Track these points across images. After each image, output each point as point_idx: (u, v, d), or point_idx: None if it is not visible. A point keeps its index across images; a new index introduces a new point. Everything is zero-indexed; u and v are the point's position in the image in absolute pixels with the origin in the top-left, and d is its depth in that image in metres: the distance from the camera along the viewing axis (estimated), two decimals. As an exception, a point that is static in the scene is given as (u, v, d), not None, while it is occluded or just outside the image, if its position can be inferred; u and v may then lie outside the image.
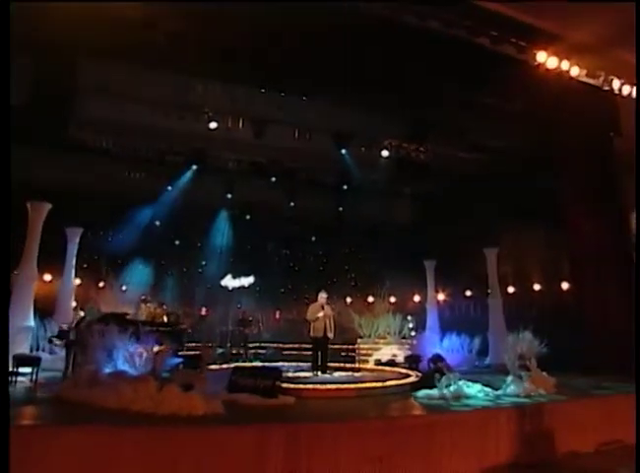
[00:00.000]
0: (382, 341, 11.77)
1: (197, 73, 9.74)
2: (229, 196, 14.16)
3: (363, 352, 11.82)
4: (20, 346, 8.03)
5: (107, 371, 5.70)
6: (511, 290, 13.22)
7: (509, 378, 7.29)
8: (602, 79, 9.16)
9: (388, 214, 15.32)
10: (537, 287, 12.56)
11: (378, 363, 10.96)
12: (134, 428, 4.49)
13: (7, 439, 3.32)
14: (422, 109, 10.54)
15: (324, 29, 8.06)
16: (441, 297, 14.89)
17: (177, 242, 14.54)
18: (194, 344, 10.57)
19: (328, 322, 8.93)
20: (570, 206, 10.39)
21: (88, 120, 10.83)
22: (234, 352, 11.64)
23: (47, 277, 11.68)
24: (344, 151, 12.29)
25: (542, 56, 8.68)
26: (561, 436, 5.90)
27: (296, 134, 11.56)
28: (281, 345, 13.01)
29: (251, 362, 11.03)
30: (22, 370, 6.99)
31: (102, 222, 12.71)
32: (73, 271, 11.07)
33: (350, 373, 9.45)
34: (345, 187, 14.42)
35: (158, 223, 13.83)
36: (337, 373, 9.15)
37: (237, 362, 10.61)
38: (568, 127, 9.92)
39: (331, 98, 10.29)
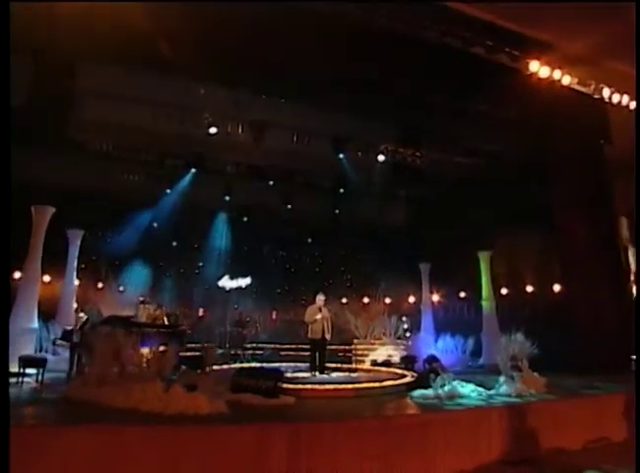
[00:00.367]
0: (378, 342, 11.88)
1: (197, 77, 9.86)
2: (227, 198, 14.28)
3: (359, 352, 11.94)
4: (25, 347, 8.17)
5: (114, 371, 5.87)
6: (504, 291, 13.42)
7: (501, 379, 7.45)
8: (592, 87, 9.43)
9: (384, 217, 15.45)
10: (529, 289, 12.76)
11: (374, 363, 11.10)
12: (143, 427, 4.64)
13: (7, 438, 3.34)
14: (418, 116, 10.74)
15: (324, 35, 8.24)
16: (436, 298, 15.06)
17: (175, 244, 14.62)
18: (194, 345, 10.72)
19: (325, 324, 9.13)
20: (561, 211, 10.60)
21: (88, 122, 10.89)
22: (233, 352, 11.81)
23: (46, 278, 11.76)
24: (341, 155, 12.48)
25: (534, 65, 8.95)
26: (550, 433, 6.11)
27: (295, 138, 11.70)
28: (278, 346, 13.13)
29: (249, 362, 11.19)
30: (27, 371, 7.15)
31: (102, 224, 12.81)
32: (74, 273, 11.15)
33: (347, 374, 9.61)
34: (341, 191, 14.56)
35: (155, 224, 13.95)
36: (334, 374, 9.31)
37: (235, 362, 10.80)
38: (560, 134, 10.13)
39: (330, 103, 10.45)
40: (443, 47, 8.50)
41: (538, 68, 8.90)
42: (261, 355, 12.50)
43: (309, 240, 16.35)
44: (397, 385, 7.64)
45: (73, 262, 11.14)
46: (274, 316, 15.31)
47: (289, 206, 14.79)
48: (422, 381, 7.22)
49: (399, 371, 9.20)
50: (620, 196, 10.25)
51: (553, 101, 9.16)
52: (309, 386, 7.22)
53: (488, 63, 8.84)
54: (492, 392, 7.18)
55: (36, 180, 10.86)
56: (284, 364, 10.29)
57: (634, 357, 9.40)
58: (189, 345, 9.57)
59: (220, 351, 11.29)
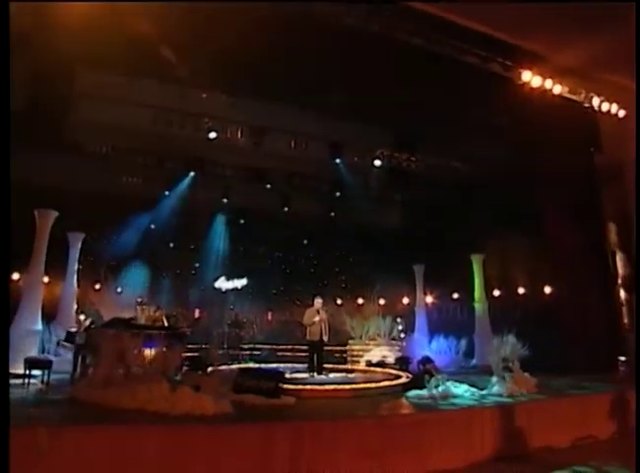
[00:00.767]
0: (372, 342, 12.07)
1: (197, 82, 10.00)
2: (225, 201, 14.42)
3: (354, 353, 12.14)
4: (29, 349, 8.28)
5: (120, 373, 6.03)
6: (496, 294, 13.63)
7: (494, 379, 7.66)
8: (582, 96, 9.71)
9: (379, 219, 15.61)
10: (521, 291, 12.98)
11: (369, 364, 11.27)
12: (151, 426, 4.81)
13: (7, 438, 3.37)
14: (414, 122, 10.97)
15: (323, 42, 8.41)
16: (429, 300, 15.22)
17: (172, 246, 14.71)
18: (192, 346, 10.84)
19: (323, 326, 9.34)
20: (552, 216, 10.82)
21: (87, 125, 10.96)
22: (230, 353, 11.95)
23: (46, 280, 11.85)
24: (338, 160, 12.69)
25: (526, 75, 9.21)
26: (540, 432, 6.36)
27: (293, 143, 11.90)
28: (275, 346, 13.26)
29: (247, 363, 11.35)
30: (33, 372, 7.28)
31: (101, 226, 12.87)
32: (75, 276, 11.24)
33: (344, 375, 9.79)
34: (338, 194, 14.74)
35: (153, 226, 14.04)
36: (332, 375, 9.49)
37: (233, 363, 10.95)
38: (551, 142, 10.33)
39: (328, 109, 10.64)
40: (439, 57, 8.73)
41: (530, 78, 9.16)
42: (258, 355, 12.63)
43: (305, 242, 16.47)
44: (393, 386, 7.84)
45: (74, 265, 11.20)
46: (269, 317, 15.41)
47: (286, 208, 14.92)
48: (417, 382, 7.43)
49: (394, 372, 9.40)
50: (609, 202, 10.53)
51: (545, 109, 9.34)
52: (309, 387, 7.40)
53: (482, 72, 9.09)
54: (485, 392, 7.40)
55: (37, 183, 10.93)
56: (281, 364, 10.43)
57: (621, 358, 9.71)
58: (188, 346, 9.70)
59: (220, 352, 11.42)
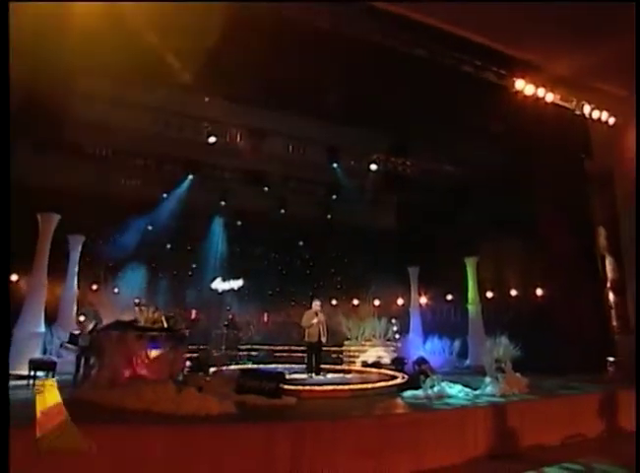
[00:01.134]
0: (368, 343, 12.22)
1: (197, 88, 10.11)
2: (223, 203, 14.53)
3: (350, 354, 12.30)
4: (32, 351, 8.39)
5: (125, 374, 6.17)
6: (489, 295, 13.84)
7: (487, 379, 7.87)
8: (574, 104, 9.96)
9: (374, 222, 15.78)
10: (513, 293, 13.20)
11: (364, 364, 11.44)
12: (158, 426, 4.96)
13: (7, 438, 3.37)
14: (409, 128, 11.17)
15: (321, 50, 8.59)
16: (424, 301, 15.44)
17: (170, 247, 14.80)
18: (191, 347, 10.96)
19: (321, 328, 9.53)
20: (544, 220, 11.03)
21: (87, 127, 11.02)
22: (228, 354, 12.07)
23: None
24: (335, 165, 12.88)
25: (520, 84, 9.45)
26: (532, 430, 6.59)
27: (291, 147, 12.06)
28: (272, 347, 13.42)
29: (245, 364, 11.49)
30: (37, 373, 7.40)
31: (100, 228, 12.95)
32: (75, 278, 11.33)
33: (341, 375, 9.98)
34: (334, 197, 14.88)
35: (150, 228, 14.11)
36: (330, 375, 9.67)
37: (231, 364, 11.08)
38: (543, 148, 10.54)
39: (325, 114, 10.78)
40: (434, 65, 8.94)
41: (523, 86, 9.41)
42: (255, 356, 12.77)
43: (301, 244, 16.61)
44: (389, 386, 8.03)
45: (74, 267, 11.29)
46: (265, 318, 15.54)
47: (283, 211, 15.03)
48: (413, 382, 7.64)
49: (390, 373, 9.60)
50: (599, 208, 10.79)
51: (538, 116, 9.56)
52: (308, 387, 7.56)
53: (477, 80, 9.31)
54: (478, 392, 7.60)
55: (37, 185, 11.00)
56: (279, 365, 10.59)
57: (610, 359, 9.97)
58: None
59: (217, 353, 11.55)
